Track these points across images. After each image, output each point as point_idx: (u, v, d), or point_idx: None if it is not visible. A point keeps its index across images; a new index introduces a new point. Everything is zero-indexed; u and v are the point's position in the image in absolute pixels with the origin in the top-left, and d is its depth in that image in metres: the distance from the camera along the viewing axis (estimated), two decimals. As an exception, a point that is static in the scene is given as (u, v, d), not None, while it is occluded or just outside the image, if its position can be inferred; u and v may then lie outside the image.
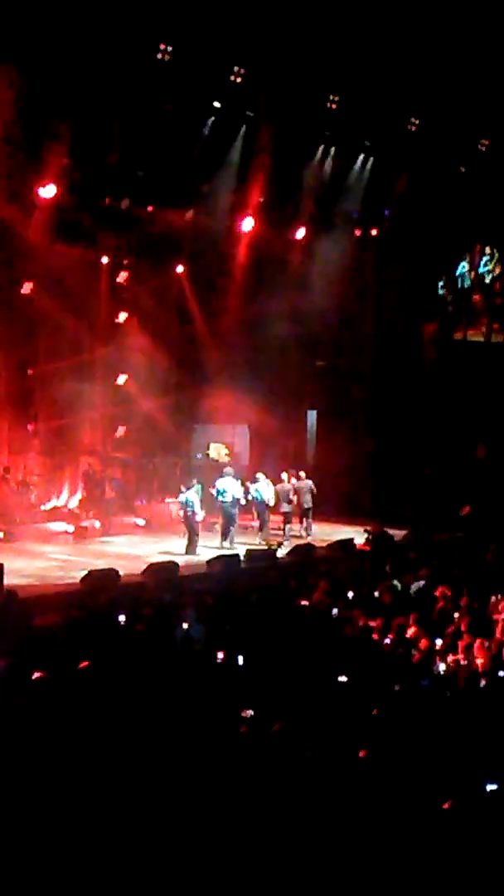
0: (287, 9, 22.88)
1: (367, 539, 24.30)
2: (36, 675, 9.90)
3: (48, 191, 23.24)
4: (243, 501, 24.91)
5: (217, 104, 24.90)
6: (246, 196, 26.83)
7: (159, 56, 22.53)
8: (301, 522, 26.42)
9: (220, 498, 24.30)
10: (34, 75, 20.60)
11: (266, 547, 23.91)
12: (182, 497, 23.89)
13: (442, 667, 13.33)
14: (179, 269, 28.46)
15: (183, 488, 24.14)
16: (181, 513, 24.40)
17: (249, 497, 25.09)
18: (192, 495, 23.81)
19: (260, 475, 25.74)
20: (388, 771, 8.64)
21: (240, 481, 24.99)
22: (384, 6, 23.98)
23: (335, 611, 16.34)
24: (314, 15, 23.27)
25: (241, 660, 13.04)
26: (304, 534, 26.06)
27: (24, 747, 8.16)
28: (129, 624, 14.77)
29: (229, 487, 24.32)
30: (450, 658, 13.77)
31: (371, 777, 8.52)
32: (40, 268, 25.18)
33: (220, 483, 24.39)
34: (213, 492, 24.41)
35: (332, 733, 9.59)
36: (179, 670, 11.97)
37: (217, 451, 30.05)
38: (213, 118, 25.27)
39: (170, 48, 22.51)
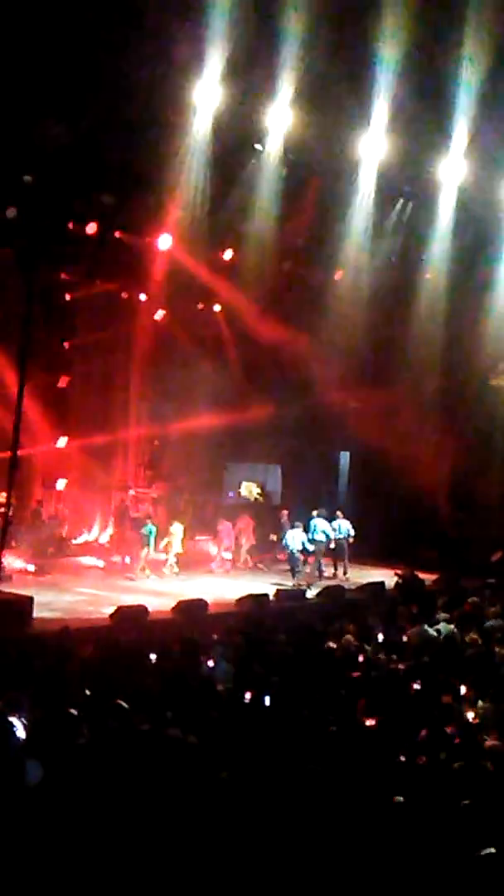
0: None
1: (398, 582, 24.23)
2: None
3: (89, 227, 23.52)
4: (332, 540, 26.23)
5: (258, 146, 25.00)
6: (284, 236, 26.91)
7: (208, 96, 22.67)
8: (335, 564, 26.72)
9: (313, 537, 25.62)
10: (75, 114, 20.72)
11: (296, 587, 23.90)
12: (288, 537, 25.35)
13: (471, 715, 13.22)
14: (216, 307, 28.65)
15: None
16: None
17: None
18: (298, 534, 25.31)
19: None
20: (414, 818, 8.58)
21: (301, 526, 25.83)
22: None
23: (362, 655, 16.27)
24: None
25: (267, 700, 13.00)
26: (343, 576, 26.26)
27: (53, 783, 8.19)
28: (157, 661, 14.78)
29: (323, 527, 25.71)
30: (480, 704, 13.66)
31: (400, 823, 8.47)
32: (79, 305, 25.46)
33: (317, 523, 25.82)
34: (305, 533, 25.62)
35: (358, 778, 9.54)
36: (204, 709, 11.94)
37: (249, 489, 30.14)
38: (253, 161, 25.40)
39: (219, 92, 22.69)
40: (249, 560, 26.84)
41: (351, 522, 26.99)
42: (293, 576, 25.44)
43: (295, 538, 25.43)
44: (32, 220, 21.90)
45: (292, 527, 25.76)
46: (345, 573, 26.66)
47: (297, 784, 9.02)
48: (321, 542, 25.82)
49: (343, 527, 26.64)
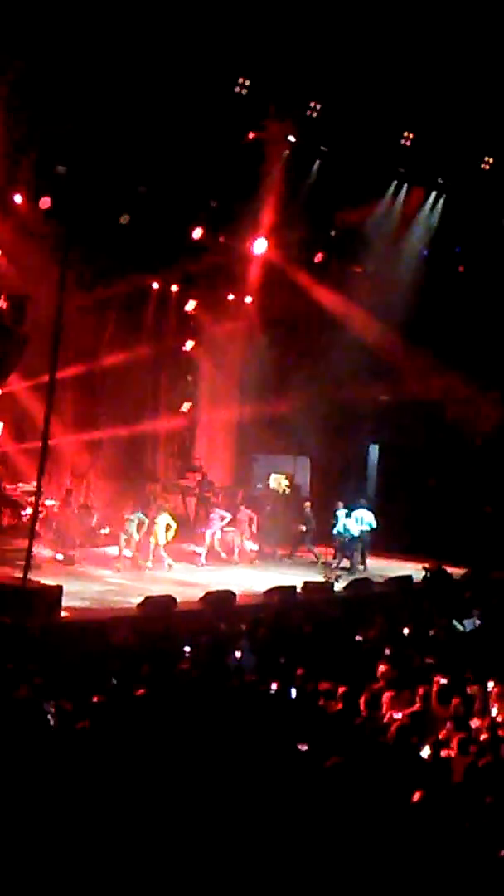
0: (364, 45, 23.01)
1: (425, 576, 24.22)
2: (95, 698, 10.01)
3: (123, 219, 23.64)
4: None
5: (292, 138, 25.06)
6: (316, 230, 26.95)
7: (237, 89, 22.77)
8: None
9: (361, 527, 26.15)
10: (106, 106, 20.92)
11: (324, 579, 23.93)
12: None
13: (494, 710, 13.23)
14: (248, 299, 28.68)
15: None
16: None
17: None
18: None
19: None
20: (438, 815, 8.61)
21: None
22: (462, 45, 24.00)
23: (389, 648, 16.29)
24: (391, 52, 23.39)
25: (293, 692, 13.05)
26: (360, 567, 26.26)
27: (83, 770, 8.26)
28: (185, 651, 14.87)
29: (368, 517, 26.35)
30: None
31: (422, 819, 8.50)
32: (110, 293, 25.57)
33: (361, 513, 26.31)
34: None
35: (383, 773, 9.58)
36: (230, 700, 12.01)
37: (277, 481, 30.14)
38: (287, 152, 25.44)
39: (247, 81, 22.78)
40: (246, 553, 26.46)
41: (378, 515, 26.94)
42: (351, 565, 25.93)
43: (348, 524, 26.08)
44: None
45: (347, 514, 26.34)
46: (362, 564, 26.58)
47: (320, 776, 9.08)
48: (338, 535, 26.01)
49: (365, 518, 26.58)
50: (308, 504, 27.43)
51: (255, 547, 26.62)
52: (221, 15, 20.87)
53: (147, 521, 23.82)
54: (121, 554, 23.62)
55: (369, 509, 26.89)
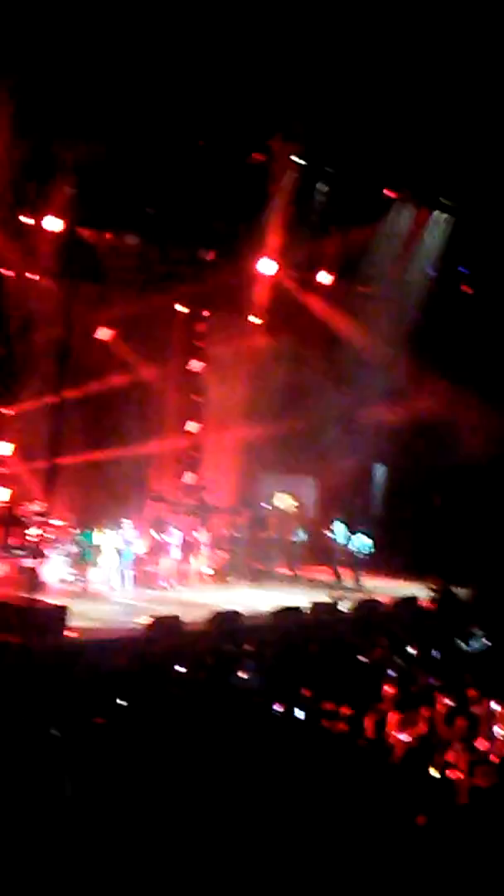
0: (369, 64, 23.13)
1: (432, 597, 24.22)
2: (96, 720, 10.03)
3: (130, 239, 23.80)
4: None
5: (298, 160, 25.21)
6: (323, 250, 27.07)
7: (243, 111, 22.97)
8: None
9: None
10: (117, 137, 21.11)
11: (331, 600, 23.94)
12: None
13: (497, 729, 13.23)
14: (255, 319, 28.76)
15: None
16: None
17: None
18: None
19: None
20: (446, 840, 8.61)
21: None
22: (470, 65, 24.09)
23: (395, 669, 16.30)
24: (397, 71, 23.51)
25: (299, 713, 13.05)
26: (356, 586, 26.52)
27: (88, 792, 8.29)
28: (190, 672, 14.87)
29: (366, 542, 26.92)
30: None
31: (428, 844, 8.51)
32: (119, 314, 25.72)
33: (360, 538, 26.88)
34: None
35: (385, 794, 9.59)
36: (235, 721, 12.02)
37: (283, 500, 30.16)
38: (293, 172, 25.57)
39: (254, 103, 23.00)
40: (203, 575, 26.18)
41: (383, 535, 27.09)
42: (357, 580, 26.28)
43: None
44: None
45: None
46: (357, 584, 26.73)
47: (324, 797, 9.09)
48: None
49: (361, 542, 26.72)
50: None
51: (210, 571, 26.52)
52: (229, 38, 21.02)
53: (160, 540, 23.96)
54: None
55: (368, 534, 27.05)
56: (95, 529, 23.64)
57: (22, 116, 19.97)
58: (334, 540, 27.23)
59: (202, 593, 24.01)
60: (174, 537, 25.06)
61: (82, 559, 23.07)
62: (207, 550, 26.15)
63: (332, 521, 27.18)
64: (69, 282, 20.99)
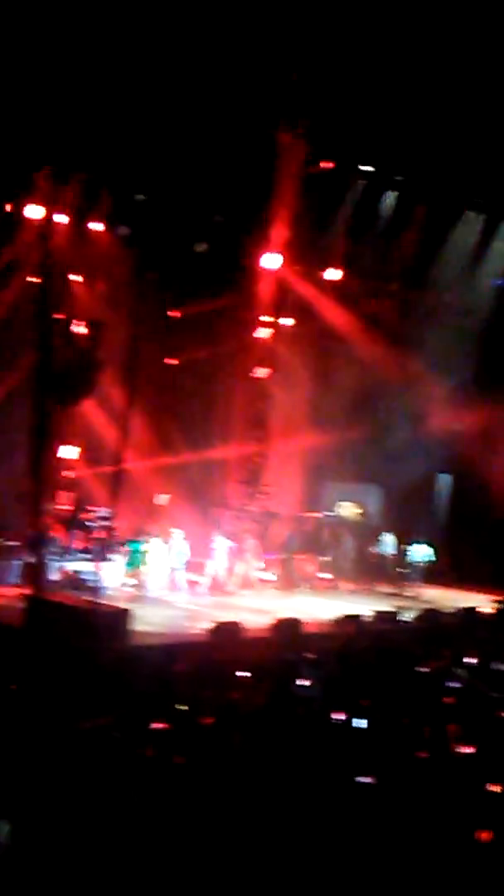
0: (438, 74, 23.09)
1: (497, 609, 24.05)
2: (157, 725, 10.09)
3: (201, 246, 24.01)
4: None
5: (368, 167, 25.22)
6: (391, 258, 27.02)
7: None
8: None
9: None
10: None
11: (392, 609, 23.86)
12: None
13: None
14: (321, 326, 28.77)
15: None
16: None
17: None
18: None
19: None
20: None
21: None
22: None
23: (456, 681, 16.19)
24: (466, 79, 23.43)
25: (358, 723, 13.01)
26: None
27: (148, 796, 8.35)
28: (251, 678, 14.89)
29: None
30: None
31: (492, 860, 8.44)
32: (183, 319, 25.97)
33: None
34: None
35: (446, 808, 9.53)
36: (295, 729, 12.02)
37: (349, 509, 30.13)
38: (364, 181, 25.56)
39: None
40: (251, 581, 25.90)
41: (447, 545, 26.99)
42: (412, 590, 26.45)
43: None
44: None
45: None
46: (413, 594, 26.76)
47: (384, 809, 9.07)
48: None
49: (421, 552, 26.93)
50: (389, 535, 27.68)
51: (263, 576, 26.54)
52: (287, 53, 21.13)
53: (230, 545, 24.01)
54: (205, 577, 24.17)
55: (429, 544, 27.22)
56: (148, 536, 23.67)
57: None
58: (383, 552, 27.22)
59: (263, 600, 24.06)
60: (220, 544, 25.04)
61: (132, 564, 23.14)
62: (253, 558, 25.91)
63: (381, 534, 27.40)
64: (138, 288, 21.19)
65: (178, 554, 23.98)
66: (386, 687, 15.16)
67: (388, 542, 27.67)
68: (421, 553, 27.15)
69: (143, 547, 23.29)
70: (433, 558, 27.05)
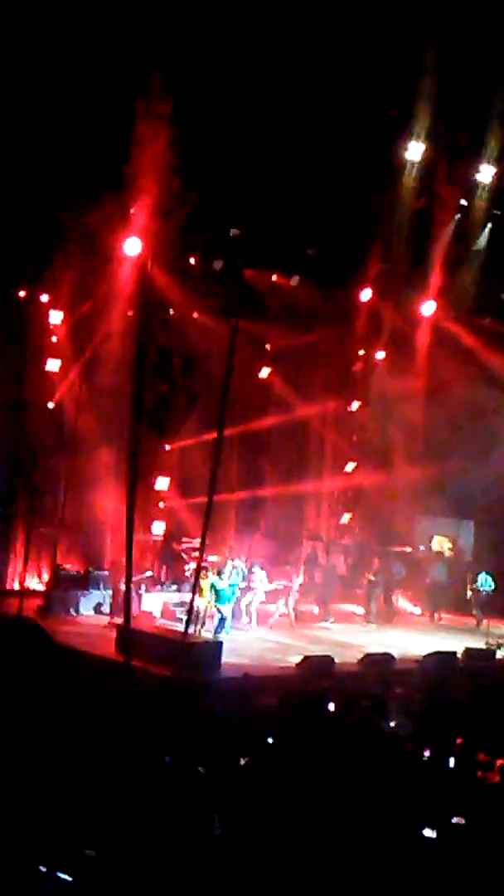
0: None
1: None
2: (244, 760, 10.07)
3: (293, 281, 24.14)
4: None
5: (464, 202, 25.11)
6: (486, 293, 26.81)
7: (408, 154, 23.16)
8: None
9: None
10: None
11: (486, 647, 23.54)
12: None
13: None
14: (416, 360, 28.65)
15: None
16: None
17: None
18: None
19: None
20: None
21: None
22: None
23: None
24: None
25: (451, 762, 12.84)
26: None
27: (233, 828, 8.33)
28: (341, 713, 14.80)
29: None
30: None
31: None
32: (277, 352, 26.06)
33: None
34: None
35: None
36: (384, 766, 11.90)
37: (440, 543, 29.86)
38: (459, 215, 25.45)
39: (420, 145, 23.13)
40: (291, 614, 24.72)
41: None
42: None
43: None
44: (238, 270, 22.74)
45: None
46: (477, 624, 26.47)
47: (476, 850, 8.93)
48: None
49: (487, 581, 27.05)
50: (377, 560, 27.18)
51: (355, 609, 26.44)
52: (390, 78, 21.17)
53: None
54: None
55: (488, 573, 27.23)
56: (234, 567, 23.18)
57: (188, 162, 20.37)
58: (480, 588, 26.96)
59: (356, 634, 23.91)
60: (259, 577, 23.96)
61: (220, 596, 22.74)
62: (296, 594, 24.80)
63: (478, 574, 27.07)
64: (232, 320, 21.29)
65: (258, 586, 23.82)
66: (480, 726, 14.94)
67: (484, 580, 27.26)
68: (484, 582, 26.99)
69: (225, 578, 22.88)
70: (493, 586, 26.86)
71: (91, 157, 19.49)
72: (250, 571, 23.97)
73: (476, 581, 27.04)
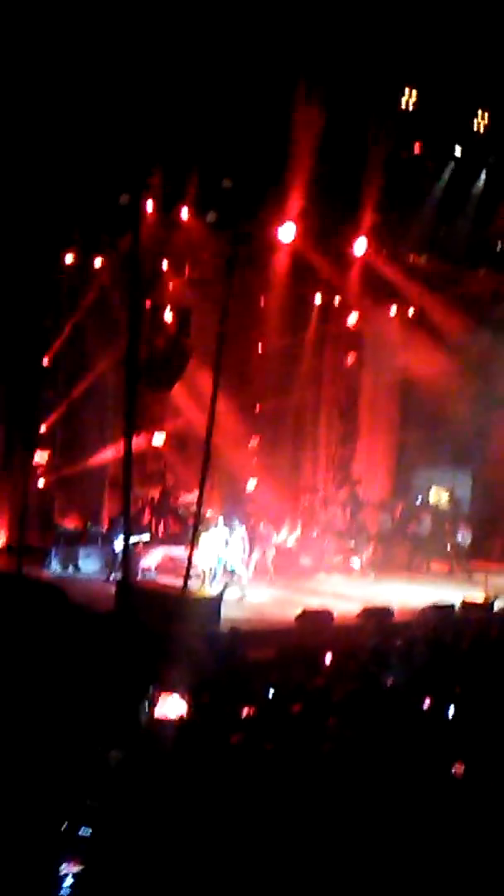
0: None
1: None
2: (245, 711, 10.09)
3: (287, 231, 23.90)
4: None
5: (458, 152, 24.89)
6: (480, 244, 26.64)
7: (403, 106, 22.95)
8: None
9: None
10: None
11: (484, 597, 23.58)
12: None
13: None
14: (409, 312, 28.51)
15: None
16: None
17: None
18: None
19: None
20: None
21: None
22: None
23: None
24: None
25: (450, 711, 12.89)
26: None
27: (237, 782, 8.36)
28: (339, 664, 14.85)
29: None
30: None
31: None
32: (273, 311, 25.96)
33: None
34: None
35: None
36: (384, 716, 11.94)
37: (438, 494, 29.82)
38: (453, 164, 25.22)
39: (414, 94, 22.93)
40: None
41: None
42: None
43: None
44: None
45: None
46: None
47: (476, 800, 8.97)
48: None
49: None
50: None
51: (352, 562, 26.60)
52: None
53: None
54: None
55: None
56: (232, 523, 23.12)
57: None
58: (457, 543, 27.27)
59: (356, 586, 23.97)
60: (236, 531, 23.13)
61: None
62: (273, 549, 24.67)
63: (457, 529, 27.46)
64: (227, 279, 21.15)
65: (236, 543, 23.54)
66: (477, 677, 15.00)
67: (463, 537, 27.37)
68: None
69: (216, 533, 22.72)
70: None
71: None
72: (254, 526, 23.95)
73: (456, 535, 27.10)
